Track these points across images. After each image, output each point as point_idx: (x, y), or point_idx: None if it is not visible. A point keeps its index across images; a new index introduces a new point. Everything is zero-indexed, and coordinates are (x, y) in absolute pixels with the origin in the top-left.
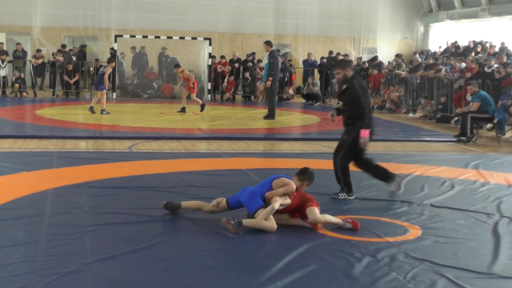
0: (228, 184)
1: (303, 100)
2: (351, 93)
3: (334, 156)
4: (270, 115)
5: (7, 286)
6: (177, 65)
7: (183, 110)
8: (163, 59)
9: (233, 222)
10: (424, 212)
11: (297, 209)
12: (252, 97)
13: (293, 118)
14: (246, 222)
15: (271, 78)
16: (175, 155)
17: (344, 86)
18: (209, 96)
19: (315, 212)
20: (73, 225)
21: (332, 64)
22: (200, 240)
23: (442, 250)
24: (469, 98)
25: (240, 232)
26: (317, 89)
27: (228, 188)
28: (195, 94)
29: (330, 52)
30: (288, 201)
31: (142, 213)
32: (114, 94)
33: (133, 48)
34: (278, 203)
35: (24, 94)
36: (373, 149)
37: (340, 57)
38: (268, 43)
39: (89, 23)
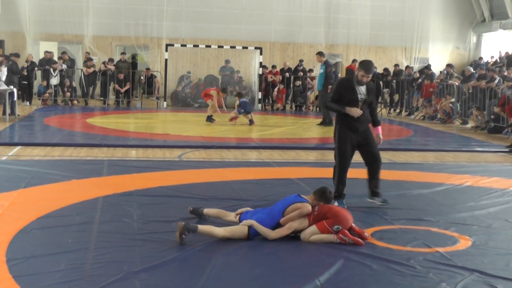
0: (277, 193)
1: None
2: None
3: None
4: (324, 122)
5: None
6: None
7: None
8: (223, 69)
9: (184, 236)
10: (474, 222)
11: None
12: (303, 107)
13: None
14: (201, 229)
15: (331, 87)
16: (225, 164)
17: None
18: (259, 105)
19: (306, 232)
20: (122, 233)
21: None
22: (249, 248)
23: (492, 261)
24: None
25: (184, 242)
26: None
27: (277, 197)
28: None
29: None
30: (305, 223)
31: (191, 222)
32: (165, 103)
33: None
34: (290, 230)
35: (75, 102)
36: (424, 159)
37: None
38: (320, 54)
39: (140, 32)
